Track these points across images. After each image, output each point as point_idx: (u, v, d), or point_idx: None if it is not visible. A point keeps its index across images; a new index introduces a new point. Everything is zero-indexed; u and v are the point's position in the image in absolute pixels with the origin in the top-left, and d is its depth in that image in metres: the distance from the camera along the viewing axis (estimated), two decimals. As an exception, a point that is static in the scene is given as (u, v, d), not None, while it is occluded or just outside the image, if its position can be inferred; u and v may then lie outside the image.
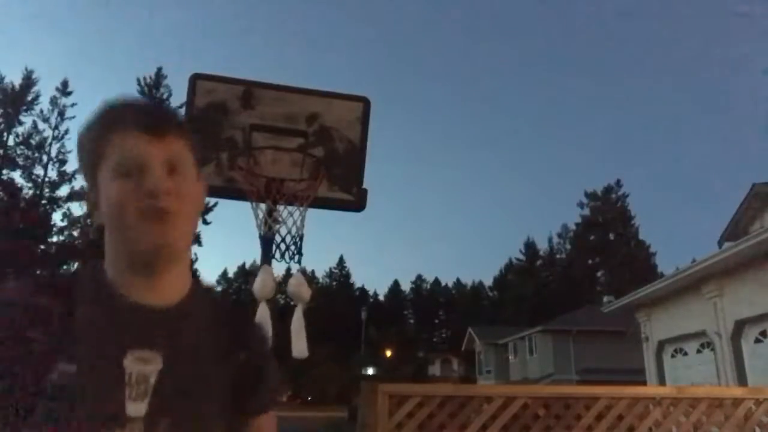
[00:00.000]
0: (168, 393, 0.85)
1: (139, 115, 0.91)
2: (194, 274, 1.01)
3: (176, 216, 0.87)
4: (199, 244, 33.83)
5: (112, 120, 0.91)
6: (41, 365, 0.80)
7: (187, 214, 0.90)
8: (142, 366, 0.85)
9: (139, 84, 34.46)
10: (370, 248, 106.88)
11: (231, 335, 0.97)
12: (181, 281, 0.94)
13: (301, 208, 3.34)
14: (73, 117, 33.93)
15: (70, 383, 0.80)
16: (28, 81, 33.28)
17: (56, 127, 32.89)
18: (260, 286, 3.06)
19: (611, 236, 53.05)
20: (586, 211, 55.01)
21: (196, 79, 3.54)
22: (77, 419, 0.78)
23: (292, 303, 3.15)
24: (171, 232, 0.87)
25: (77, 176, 31.89)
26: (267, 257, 3.28)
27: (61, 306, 0.85)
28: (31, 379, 0.79)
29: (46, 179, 31.71)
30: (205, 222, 33.38)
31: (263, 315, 2.97)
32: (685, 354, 11.54)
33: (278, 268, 3.35)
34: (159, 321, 0.89)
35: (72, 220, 31.17)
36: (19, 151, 31.67)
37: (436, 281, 72.81)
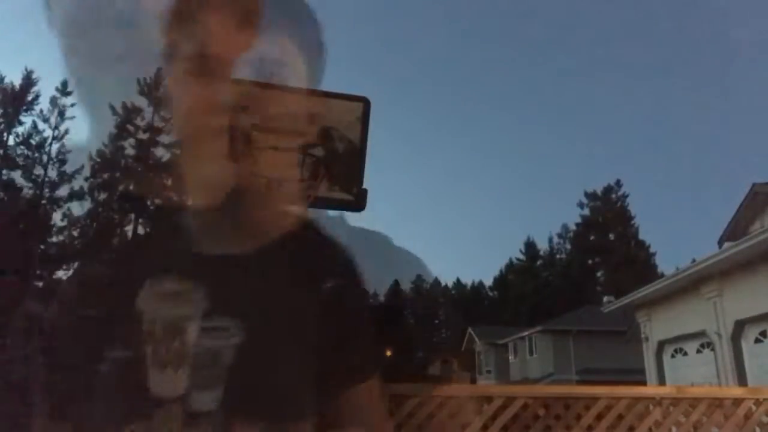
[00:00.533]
0: (247, 374, 0.63)
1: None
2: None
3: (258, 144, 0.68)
4: (199, 244, 33.84)
5: None
6: (96, 352, 0.66)
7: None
8: (214, 340, 0.64)
9: (139, 84, 34.42)
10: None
11: (333, 288, 0.72)
12: (267, 219, 0.74)
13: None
14: (73, 117, 33.99)
15: (121, 374, 0.65)
16: (28, 81, 33.30)
17: (56, 127, 32.92)
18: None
19: (611, 236, 53.02)
20: (586, 211, 54.98)
21: (196, 80, 3.56)
22: (131, 411, 0.63)
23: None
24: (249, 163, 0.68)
25: (77, 176, 31.94)
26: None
27: (127, 275, 0.70)
28: (86, 362, 0.66)
29: (46, 179, 31.72)
30: (205, 222, 33.40)
31: None
32: (685, 354, 11.53)
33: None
34: (234, 276, 0.68)
35: (72, 220, 31.20)
36: (19, 151, 31.69)
37: (436, 281, 72.82)
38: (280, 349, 0.66)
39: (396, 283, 71.75)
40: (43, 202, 31.08)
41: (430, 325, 69.86)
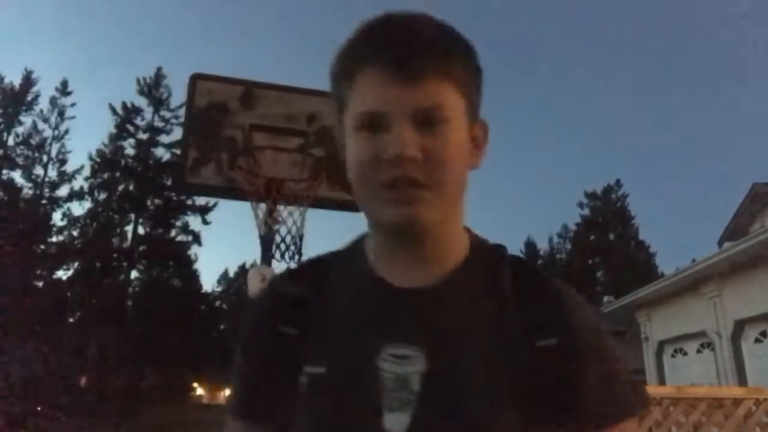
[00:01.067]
0: (437, 400, 0.67)
1: (387, 47, 0.69)
2: (470, 230, 0.81)
3: (426, 188, 0.68)
4: (199, 244, 33.88)
5: (358, 52, 0.72)
6: (295, 366, 0.72)
7: (442, 183, 0.69)
8: (401, 366, 0.68)
9: (139, 84, 34.47)
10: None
11: (527, 314, 0.71)
12: (448, 254, 0.75)
13: (301, 208, 3.34)
14: (73, 117, 34.00)
15: (317, 388, 0.70)
16: (28, 81, 33.30)
17: (56, 127, 32.92)
18: (249, 286, 3.08)
19: (611, 236, 53.04)
20: (586, 211, 54.97)
21: (196, 79, 3.54)
22: (328, 425, 0.69)
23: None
24: (419, 209, 0.68)
25: (77, 176, 31.96)
26: (267, 257, 3.28)
27: (317, 295, 0.76)
28: (283, 379, 0.72)
29: (46, 179, 31.72)
30: (205, 222, 33.41)
31: None
32: (685, 354, 11.53)
33: (279, 268, 3.35)
34: (421, 307, 0.71)
35: (72, 220, 31.21)
36: (19, 151, 31.69)
37: (436, 281, 72.89)
38: (471, 372, 0.68)
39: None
40: (43, 202, 31.08)
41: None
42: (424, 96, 0.68)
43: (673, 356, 12.01)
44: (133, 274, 32.61)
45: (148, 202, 32.84)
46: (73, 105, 33.82)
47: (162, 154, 33.57)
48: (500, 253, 0.80)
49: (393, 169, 0.67)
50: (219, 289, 63.38)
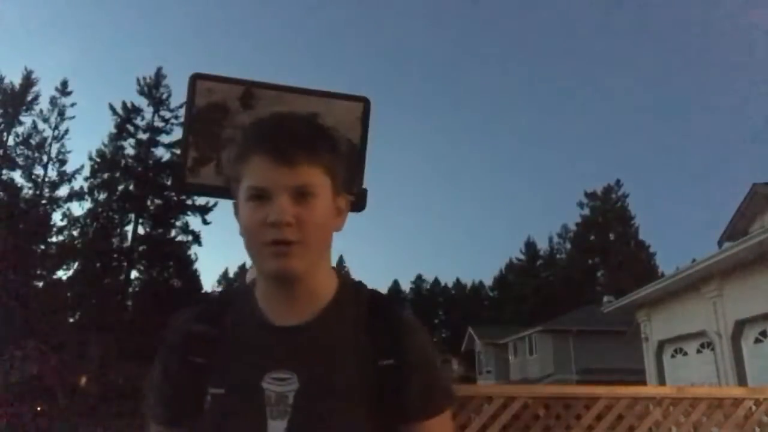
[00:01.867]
0: (307, 410, 0.90)
1: (272, 140, 0.93)
2: (340, 272, 1.05)
3: (299, 245, 0.90)
4: (199, 244, 33.86)
5: (250, 142, 0.95)
6: (202, 386, 0.94)
7: (311, 240, 0.92)
8: (280, 386, 0.92)
9: (139, 84, 34.47)
10: (370, 248, 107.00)
11: (374, 341, 0.96)
12: (318, 294, 0.98)
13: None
14: (73, 117, 33.98)
15: (219, 404, 0.93)
16: (28, 81, 33.29)
17: (56, 127, 32.91)
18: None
19: (611, 236, 53.02)
20: (586, 211, 54.97)
21: (196, 79, 3.53)
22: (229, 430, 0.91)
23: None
24: (292, 261, 0.90)
25: (77, 176, 31.95)
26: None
27: (219, 332, 0.97)
28: (193, 397, 0.94)
29: (46, 179, 31.72)
30: (205, 222, 33.39)
31: None
32: (685, 354, 11.54)
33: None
34: (294, 341, 0.94)
35: (72, 220, 31.20)
36: (19, 151, 31.68)
37: (436, 281, 72.81)
38: (330, 388, 0.92)
39: (396, 283, 71.82)
40: (43, 202, 31.08)
41: (430, 325, 69.96)
42: (298, 176, 0.91)
43: (673, 356, 12.02)
44: (133, 274, 32.62)
45: (148, 202, 32.83)
46: (73, 105, 33.84)
47: (162, 154, 33.59)
48: (360, 291, 1.03)
49: (274, 231, 0.89)
50: (219, 289, 63.38)
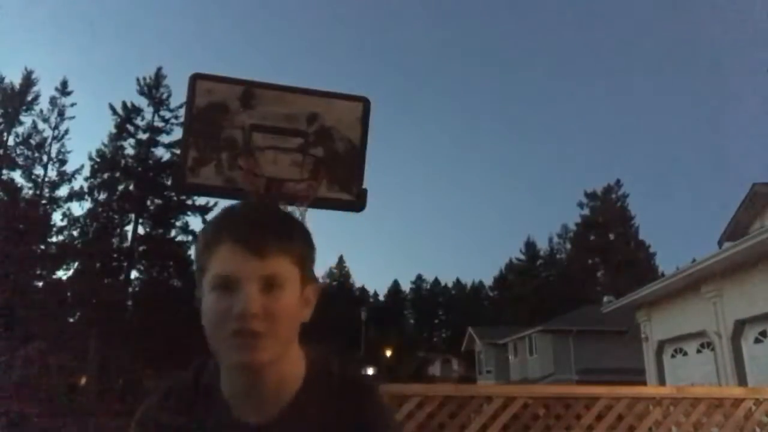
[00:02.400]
0: None
1: (240, 229, 0.91)
2: (310, 351, 1.03)
3: (265, 337, 0.87)
4: (199, 244, 33.80)
5: (218, 231, 0.93)
6: None
7: (278, 332, 0.89)
8: None
9: (139, 84, 34.46)
10: (370, 248, 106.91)
11: (341, 419, 0.96)
12: (284, 385, 0.96)
13: (301, 208, 3.34)
14: (73, 117, 33.98)
15: None
16: (28, 81, 33.29)
17: (56, 127, 32.92)
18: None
19: (611, 236, 53.00)
20: (586, 211, 54.97)
21: (196, 79, 3.54)
22: None
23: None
24: (258, 354, 0.87)
25: (77, 176, 31.95)
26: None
27: (183, 422, 0.97)
28: None
29: (46, 179, 31.72)
30: (205, 222, 33.37)
31: None
32: (685, 354, 11.54)
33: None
34: None
35: (72, 220, 31.19)
36: (19, 151, 31.68)
37: (436, 281, 72.75)
38: None
39: (396, 283, 71.78)
40: (43, 202, 31.08)
41: (430, 325, 69.87)
42: (267, 266, 0.89)
43: (673, 356, 12.01)
44: (133, 274, 32.62)
45: (148, 202, 32.82)
46: (73, 105, 33.86)
47: (162, 154, 33.57)
48: (330, 375, 1.01)
49: (239, 322, 0.86)
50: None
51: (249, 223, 0.92)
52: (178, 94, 33.22)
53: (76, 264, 30.33)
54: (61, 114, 33.12)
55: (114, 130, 33.55)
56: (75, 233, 31.24)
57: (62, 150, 32.59)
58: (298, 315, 0.95)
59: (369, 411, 0.99)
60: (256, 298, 0.87)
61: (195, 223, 33.76)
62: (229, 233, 0.90)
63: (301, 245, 0.96)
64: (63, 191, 31.66)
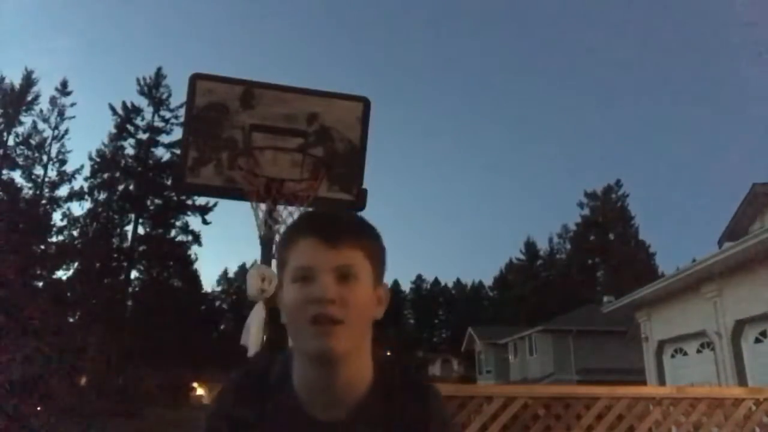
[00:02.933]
0: None
1: (317, 224, 0.99)
2: (376, 354, 1.05)
3: (341, 324, 0.91)
4: (199, 244, 33.88)
5: (297, 228, 1.02)
6: None
7: (353, 321, 0.93)
8: None
9: (139, 84, 34.49)
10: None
11: (407, 419, 1.00)
12: (356, 382, 0.99)
13: (301, 208, 3.34)
14: (73, 117, 34.00)
15: None
16: (28, 81, 33.31)
17: (56, 127, 32.97)
18: (249, 286, 3.07)
19: (611, 236, 53.03)
20: (586, 211, 54.99)
21: (196, 79, 3.54)
22: None
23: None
24: (335, 341, 0.91)
25: (77, 176, 31.96)
26: (267, 257, 3.28)
27: (256, 416, 0.99)
28: None
29: (46, 179, 31.75)
30: (205, 222, 33.40)
31: (256, 316, 2.97)
32: (685, 354, 11.53)
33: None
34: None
35: (72, 220, 31.21)
36: (19, 151, 31.71)
37: (436, 281, 72.77)
38: None
39: (396, 282, 71.80)
40: (43, 202, 31.09)
41: (430, 325, 69.88)
42: (342, 257, 0.94)
43: (673, 356, 12.01)
44: (133, 274, 32.66)
45: (148, 202, 32.85)
46: (73, 105, 33.91)
47: (162, 154, 33.62)
48: (394, 377, 1.04)
49: (316, 306, 0.91)
50: (219, 289, 63.29)
51: (325, 220, 1.01)
52: (178, 94, 33.27)
53: (76, 264, 30.36)
54: (61, 114, 33.18)
55: (114, 130, 33.61)
56: (75, 233, 31.29)
57: (62, 150, 32.67)
58: (372, 310, 0.99)
59: (433, 415, 1.02)
60: (332, 286, 0.92)
61: (195, 223, 33.82)
62: (307, 229, 0.98)
63: (374, 243, 1.01)
64: (63, 191, 31.75)
